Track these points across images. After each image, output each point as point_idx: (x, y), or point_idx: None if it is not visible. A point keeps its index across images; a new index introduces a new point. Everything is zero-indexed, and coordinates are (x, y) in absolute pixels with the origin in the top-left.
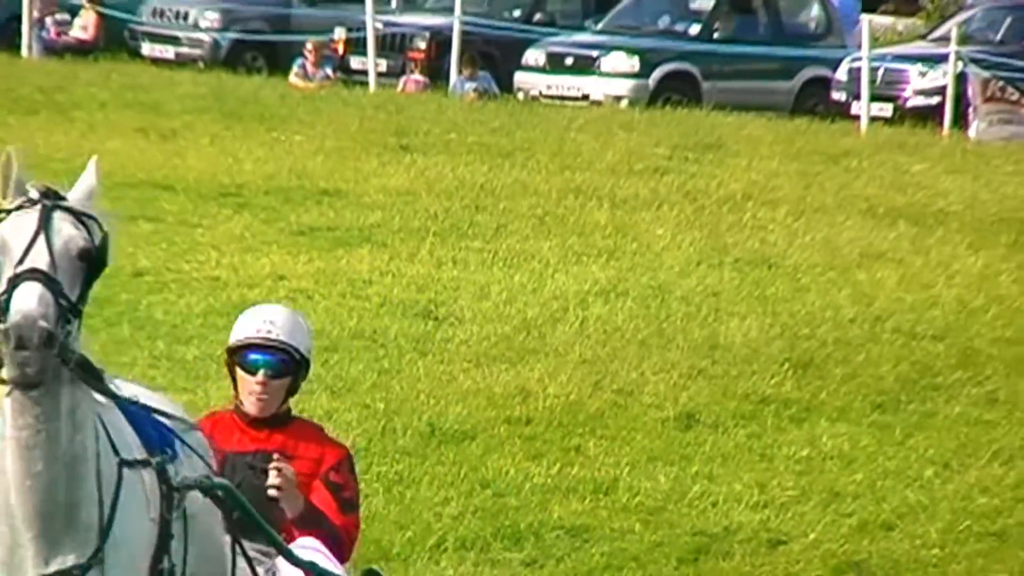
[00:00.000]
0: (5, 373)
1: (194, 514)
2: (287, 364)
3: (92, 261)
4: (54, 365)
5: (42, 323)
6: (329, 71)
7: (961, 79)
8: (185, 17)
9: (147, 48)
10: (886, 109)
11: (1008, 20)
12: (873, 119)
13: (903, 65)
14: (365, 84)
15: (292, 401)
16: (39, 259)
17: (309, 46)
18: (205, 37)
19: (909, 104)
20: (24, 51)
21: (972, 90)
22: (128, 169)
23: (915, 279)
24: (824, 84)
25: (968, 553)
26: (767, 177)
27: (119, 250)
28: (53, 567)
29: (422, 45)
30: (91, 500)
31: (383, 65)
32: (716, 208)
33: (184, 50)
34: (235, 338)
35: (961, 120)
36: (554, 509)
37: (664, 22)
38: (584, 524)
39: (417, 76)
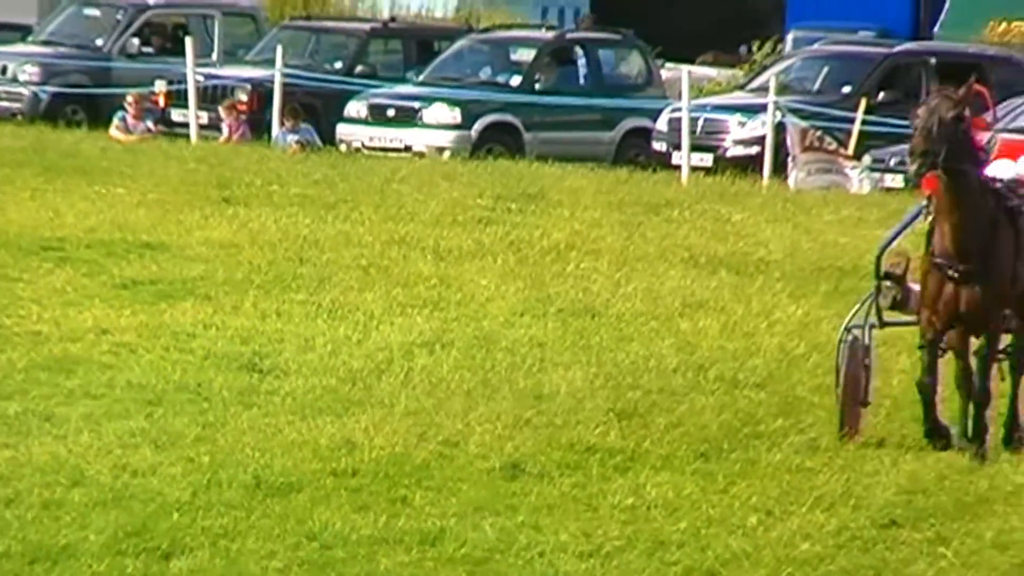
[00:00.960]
0: None
1: None
2: None
3: None
4: None
5: None
6: (151, 124)
7: (780, 129)
8: (4, 71)
9: None
10: (706, 159)
11: (825, 70)
12: (694, 169)
13: (723, 115)
14: (186, 137)
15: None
16: None
17: (130, 99)
18: (24, 91)
19: (729, 154)
20: None
21: (791, 140)
22: None
23: (736, 328)
24: (645, 134)
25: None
26: (589, 227)
27: None
28: None
29: (244, 97)
30: None
31: (204, 118)
32: (540, 258)
33: (3, 104)
34: None
35: (781, 170)
36: (381, 561)
37: (486, 73)
38: None
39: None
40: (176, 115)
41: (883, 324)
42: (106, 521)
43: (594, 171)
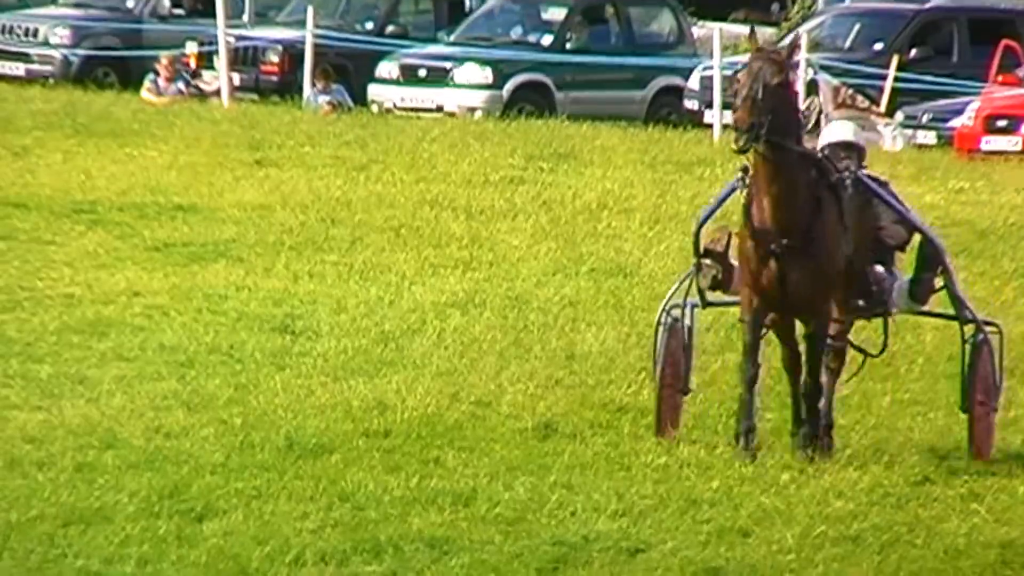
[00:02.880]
0: None
1: None
2: None
3: None
4: None
5: None
6: (182, 86)
7: (812, 86)
8: (35, 34)
9: None
10: None
11: (857, 27)
12: (726, 127)
13: None
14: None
15: None
16: None
17: (164, 60)
18: (56, 53)
19: None
20: None
21: (822, 97)
22: None
23: None
24: (677, 93)
25: (824, 558)
26: (621, 186)
27: None
28: None
29: (275, 58)
30: None
31: (236, 79)
32: (571, 218)
33: (35, 67)
34: None
35: (813, 127)
36: (413, 521)
37: (517, 33)
38: (443, 536)
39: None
40: (207, 77)
41: (705, 304)
42: (139, 483)
43: (626, 130)
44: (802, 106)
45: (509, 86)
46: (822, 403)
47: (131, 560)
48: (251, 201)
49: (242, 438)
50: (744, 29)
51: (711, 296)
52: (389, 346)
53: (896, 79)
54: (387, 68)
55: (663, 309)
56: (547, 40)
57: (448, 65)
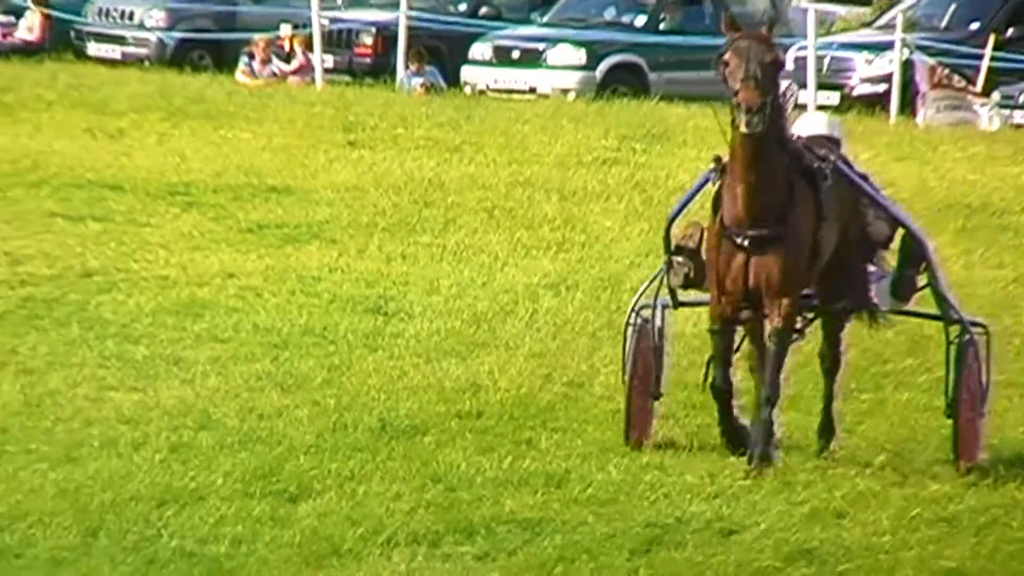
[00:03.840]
0: None
1: None
2: None
3: None
4: None
5: None
6: (282, 66)
7: (908, 66)
8: (131, 17)
9: (93, 48)
10: (833, 97)
11: (953, 6)
12: (820, 107)
13: (849, 53)
14: (313, 81)
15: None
16: None
17: (261, 43)
18: (151, 36)
19: (856, 92)
20: None
21: (919, 77)
22: (76, 169)
23: None
24: None
25: (919, 539)
26: None
27: (67, 250)
28: None
29: (368, 40)
30: None
31: (329, 61)
32: (665, 199)
33: (130, 49)
34: None
35: (909, 107)
36: (506, 502)
37: (610, 14)
38: (536, 517)
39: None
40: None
41: (677, 304)
42: (233, 464)
43: (720, 110)
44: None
45: (602, 67)
46: (830, 408)
47: (225, 540)
48: (344, 182)
49: (335, 419)
50: (840, 9)
51: (683, 296)
52: (481, 327)
53: (992, 58)
54: (480, 50)
55: (632, 309)
56: (640, 20)
57: (541, 46)
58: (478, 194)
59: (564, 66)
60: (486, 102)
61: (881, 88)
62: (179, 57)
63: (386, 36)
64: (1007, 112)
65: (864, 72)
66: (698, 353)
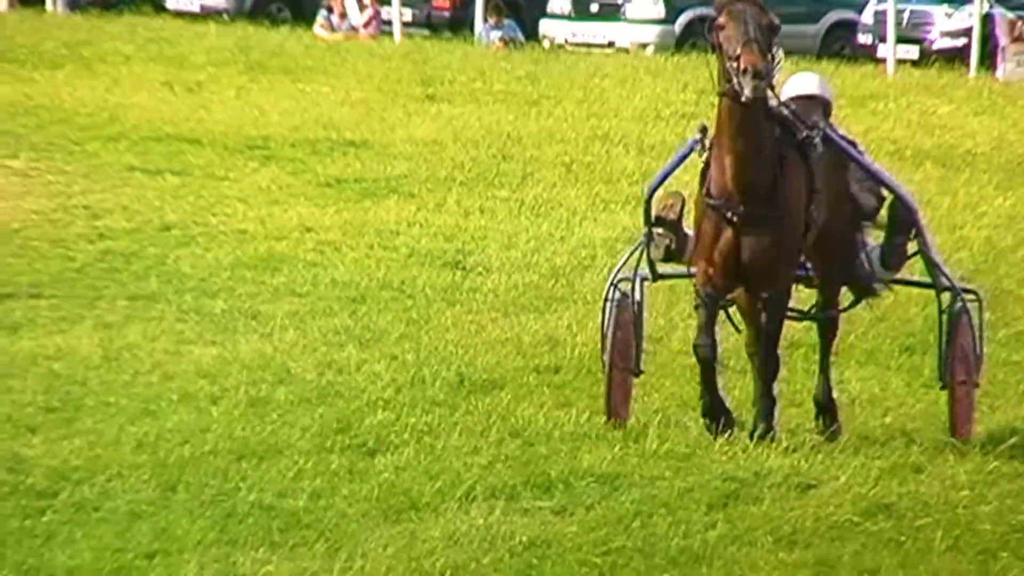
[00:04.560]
0: None
1: None
2: None
3: None
4: None
5: None
6: (365, 20)
7: (987, 20)
8: None
9: (171, 1)
10: (912, 51)
11: None
12: (899, 62)
13: (929, 7)
14: (390, 34)
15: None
16: None
17: None
18: None
19: (935, 46)
20: (49, 6)
21: (999, 31)
22: (154, 123)
23: (943, 221)
24: (850, 27)
25: (998, 494)
26: None
27: (146, 204)
28: None
29: None
30: None
31: (408, 15)
32: None
33: (209, 3)
34: None
35: (988, 61)
36: (583, 457)
37: None
38: (614, 471)
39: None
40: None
41: (656, 277)
42: (311, 418)
43: (798, 64)
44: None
45: (681, 20)
46: (820, 386)
47: (304, 494)
48: (422, 137)
49: (413, 374)
50: None
51: (664, 268)
52: (560, 282)
53: None
54: (559, 3)
55: (611, 283)
56: None
57: (620, 0)
58: (556, 148)
59: (643, 20)
60: (564, 56)
61: (960, 42)
62: (257, 10)
63: None
64: None
65: (943, 26)
66: None
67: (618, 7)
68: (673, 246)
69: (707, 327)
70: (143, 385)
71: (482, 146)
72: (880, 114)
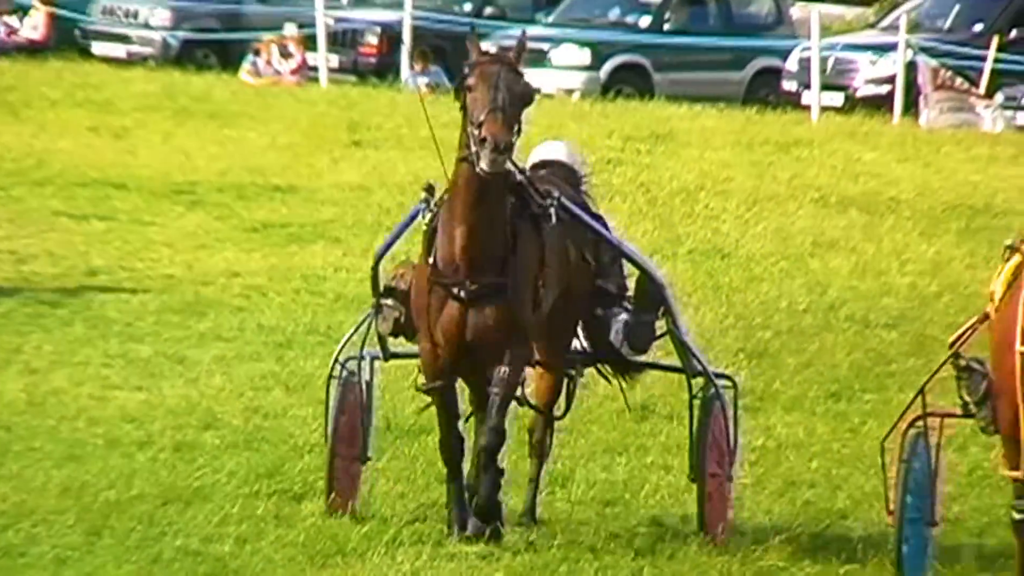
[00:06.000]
0: None
1: None
2: None
3: None
4: None
5: None
6: (292, 66)
7: (911, 68)
8: (135, 16)
9: (98, 47)
10: (837, 98)
11: (956, 8)
12: (824, 108)
13: (853, 54)
14: (317, 80)
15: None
16: None
17: (267, 43)
18: (156, 35)
19: (860, 93)
20: None
21: (922, 78)
22: (80, 168)
23: (868, 267)
24: (775, 74)
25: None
26: (719, 167)
27: (71, 249)
28: None
29: (373, 40)
30: None
31: (334, 61)
32: (669, 199)
33: (135, 48)
34: None
35: (912, 108)
36: (510, 502)
37: (615, 14)
38: (540, 517)
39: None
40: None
41: (388, 356)
42: (238, 463)
43: (723, 111)
44: None
45: (607, 67)
46: (535, 494)
47: (230, 539)
48: (349, 182)
49: None
50: (844, 10)
51: (395, 345)
52: None
53: (996, 60)
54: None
55: (335, 360)
56: (645, 21)
57: (546, 47)
58: None
59: (569, 66)
60: None
61: (885, 89)
62: (184, 56)
63: (391, 36)
64: (1010, 114)
65: (868, 73)
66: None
67: (544, 54)
68: (403, 319)
69: (448, 415)
70: (69, 430)
71: (409, 191)
72: (805, 160)
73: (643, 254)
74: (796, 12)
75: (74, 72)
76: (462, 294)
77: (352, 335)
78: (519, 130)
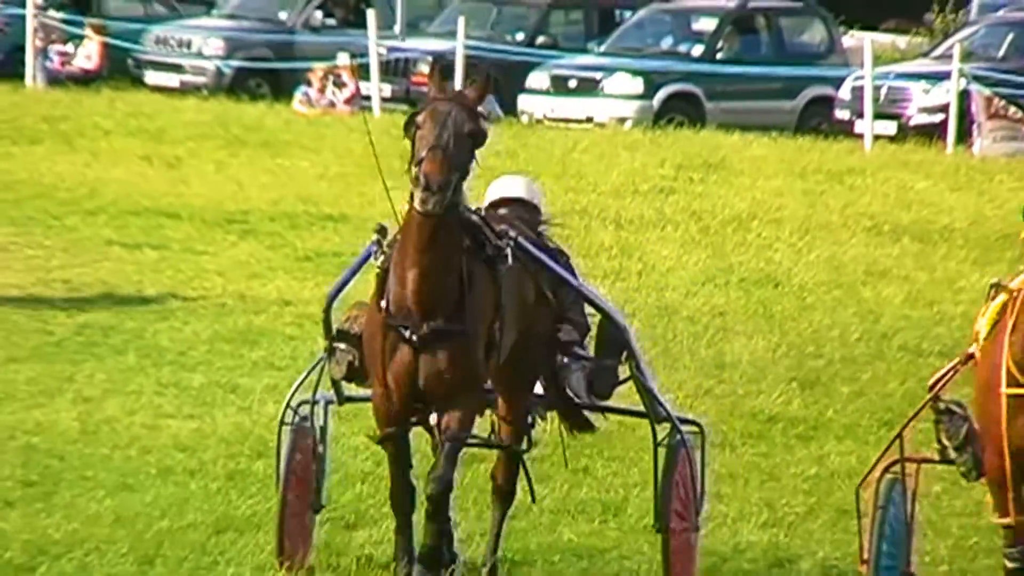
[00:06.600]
0: None
1: None
2: None
3: None
4: None
5: None
6: (347, 95)
7: (965, 96)
8: (189, 45)
9: (151, 76)
10: (890, 127)
11: (1010, 36)
12: (877, 137)
13: (906, 83)
14: (370, 109)
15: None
16: None
17: (319, 73)
18: (209, 65)
19: (913, 122)
20: (28, 81)
21: (976, 107)
22: (133, 197)
23: (920, 296)
24: (827, 103)
25: (977, 569)
26: (771, 196)
27: (124, 278)
28: None
29: (426, 69)
30: None
31: (387, 90)
32: (721, 228)
33: (188, 78)
34: None
35: (965, 137)
36: (563, 531)
37: (667, 43)
38: (593, 545)
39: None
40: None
41: (342, 400)
42: None
43: (776, 140)
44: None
45: (659, 96)
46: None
47: (282, 568)
48: (401, 211)
49: None
50: (896, 39)
51: (349, 388)
52: None
53: None
54: (537, 79)
55: (287, 405)
56: (697, 50)
57: (598, 75)
58: None
59: (621, 95)
60: (543, 131)
61: (938, 118)
62: (237, 86)
63: (443, 65)
64: None
65: (921, 102)
66: (753, 382)
67: (596, 82)
68: (357, 363)
69: (400, 464)
70: (121, 459)
71: None
72: (858, 189)
73: (606, 298)
74: (848, 41)
75: (127, 101)
76: (414, 338)
77: (304, 379)
78: (466, 171)
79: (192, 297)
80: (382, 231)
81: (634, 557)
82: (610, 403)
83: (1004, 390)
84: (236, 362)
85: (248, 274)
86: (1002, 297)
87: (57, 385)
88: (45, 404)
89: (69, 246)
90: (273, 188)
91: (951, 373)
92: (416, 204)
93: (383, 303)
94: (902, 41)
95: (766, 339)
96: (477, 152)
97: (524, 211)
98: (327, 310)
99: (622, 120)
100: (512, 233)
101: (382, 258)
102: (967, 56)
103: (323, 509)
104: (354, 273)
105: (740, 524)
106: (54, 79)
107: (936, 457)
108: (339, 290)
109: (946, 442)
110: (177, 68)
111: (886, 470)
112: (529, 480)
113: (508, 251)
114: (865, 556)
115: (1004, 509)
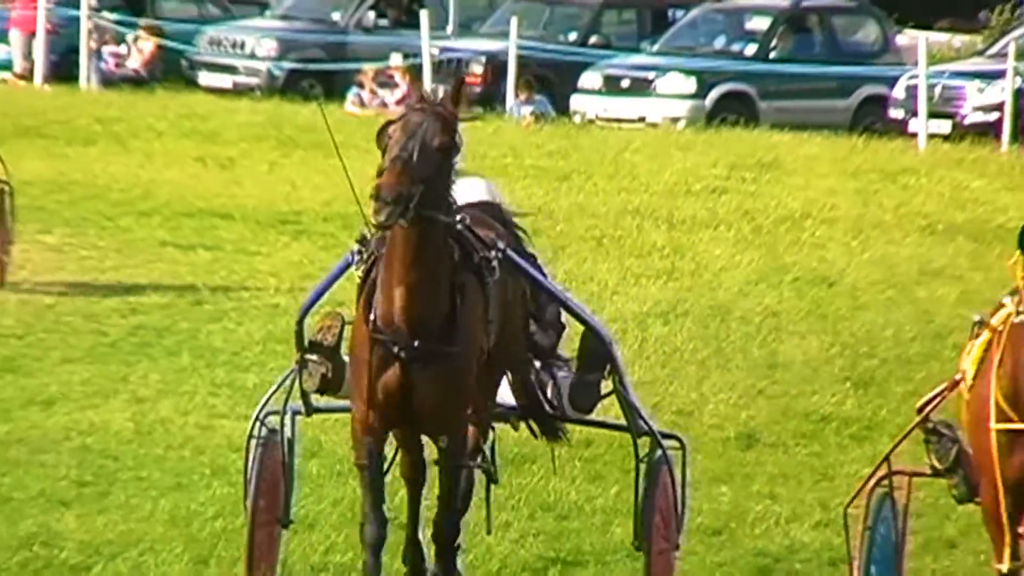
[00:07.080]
0: None
1: None
2: None
3: None
4: None
5: None
6: (398, 96)
7: (1020, 95)
8: (242, 46)
9: (204, 78)
10: (944, 126)
11: None
12: (931, 136)
13: (961, 82)
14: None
15: None
16: None
17: (371, 73)
18: (262, 66)
19: (967, 121)
20: (82, 82)
21: None
22: (186, 198)
23: (975, 296)
24: (881, 102)
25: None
26: (825, 195)
27: (178, 279)
28: None
29: (478, 70)
30: None
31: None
32: (774, 227)
33: (241, 79)
34: None
35: (1020, 136)
36: (615, 531)
37: (720, 42)
38: None
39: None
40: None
41: (311, 411)
42: (343, 492)
43: (829, 139)
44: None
45: (712, 96)
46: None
47: (335, 567)
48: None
49: None
50: (951, 37)
51: (318, 400)
52: None
53: None
54: (590, 79)
55: (256, 418)
56: (751, 50)
57: (651, 75)
58: (587, 223)
59: (674, 95)
60: (595, 131)
61: (992, 117)
62: (289, 87)
63: (496, 65)
64: None
65: (975, 101)
66: (806, 382)
67: (649, 82)
68: (330, 375)
69: (374, 495)
70: (175, 459)
71: None
72: (912, 189)
73: (590, 311)
74: (902, 40)
75: (180, 103)
76: (403, 354)
77: (273, 393)
78: (441, 183)
79: (245, 298)
80: (363, 240)
81: (688, 558)
82: (591, 416)
83: (992, 425)
84: (289, 363)
85: (301, 275)
86: (986, 335)
87: (111, 386)
88: (99, 405)
89: (123, 247)
90: (326, 189)
91: (939, 398)
92: (371, 216)
93: (371, 317)
94: (957, 40)
95: (819, 339)
96: (455, 162)
97: (493, 213)
98: (300, 321)
99: (675, 120)
100: (501, 245)
101: (364, 268)
102: (1022, 55)
103: (291, 523)
104: (330, 285)
105: (793, 524)
106: (108, 81)
107: (927, 472)
108: (314, 301)
109: (936, 464)
110: (230, 69)
111: (877, 484)
112: (488, 509)
113: (495, 263)
114: None
115: (1000, 555)
